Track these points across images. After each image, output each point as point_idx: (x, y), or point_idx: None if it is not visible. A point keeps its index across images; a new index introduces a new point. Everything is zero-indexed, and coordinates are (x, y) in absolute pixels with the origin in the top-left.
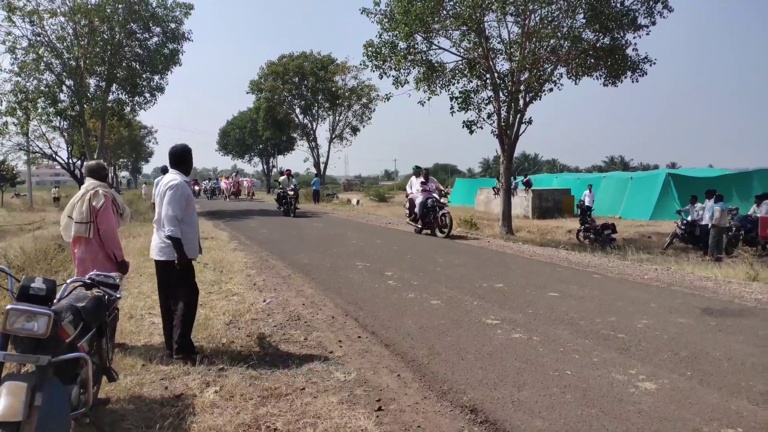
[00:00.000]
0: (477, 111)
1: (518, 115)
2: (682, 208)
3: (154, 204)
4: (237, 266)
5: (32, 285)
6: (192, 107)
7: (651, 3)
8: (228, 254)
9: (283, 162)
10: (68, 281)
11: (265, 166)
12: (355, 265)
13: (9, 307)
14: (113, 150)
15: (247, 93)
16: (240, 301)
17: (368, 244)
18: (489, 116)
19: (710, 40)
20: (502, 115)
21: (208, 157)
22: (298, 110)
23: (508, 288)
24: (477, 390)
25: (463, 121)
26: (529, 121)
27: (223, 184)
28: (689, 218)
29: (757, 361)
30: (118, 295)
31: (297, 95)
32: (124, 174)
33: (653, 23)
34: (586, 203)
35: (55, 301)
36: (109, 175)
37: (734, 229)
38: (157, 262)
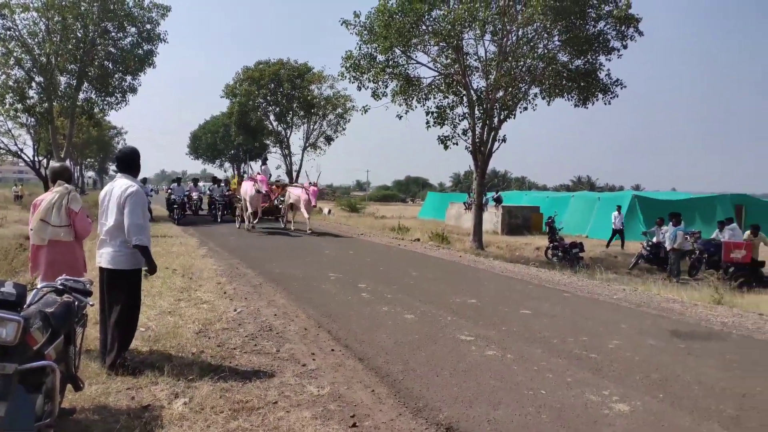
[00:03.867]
0: (452, 127)
1: (492, 133)
2: (648, 229)
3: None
4: (207, 273)
5: (2, 290)
6: (163, 109)
7: (623, 27)
8: (197, 261)
9: (255, 168)
10: (39, 286)
11: (236, 172)
12: (327, 276)
13: None
14: (80, 150)
15: (221, 97)
16: (210, 309)
17: (341, 254)
18: (464, 132)
19: (675, 66)
20: (477, 132)
21: (177, 161)
22: (272, 117)
23: (481, 304)
24: (452, 408)
25: (438, 137)
26: (503, 139)
27: (249, 187)
28: (654, 240)
29: (726, 386)
30: (90, 302)
31: (272, 102)
32: (90, 174)
33: (625, 47)
34: (616, 225)
35: (24, 306)
36: (75, 175)
37: (698, 252)
38: (106, 271)
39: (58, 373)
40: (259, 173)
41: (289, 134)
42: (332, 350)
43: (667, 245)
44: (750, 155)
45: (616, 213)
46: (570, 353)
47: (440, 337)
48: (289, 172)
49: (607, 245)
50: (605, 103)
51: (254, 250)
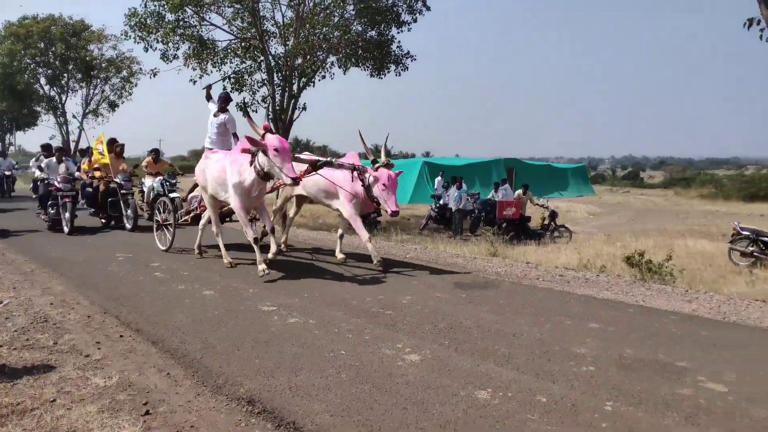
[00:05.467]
0: (251, 93)
1: (292, 100)
2: (436, 192)
3: None
4: None
5: None
6: None
7: (412, 1)
8: None
9: (22, 140)
10: None
11: (4, 144)
12: (115, 257)
13: None
14: None
15: None
16: None
17: (129, 233)
18: (263, 99)
19: (459, 42)
20: (277, 99)
21: None
22: (43, 80)
23: (283, 273)
24: (254, 380)
25: (237, 103)
26: (304, 107)
27: (244, 161)
28: (441, 202)
29: (500, 327)
30: None
31: (42, 63)
32: None
33: (415, 20)
34: (438, 191)
35: None
36: None
37: (477, 211)
38: None
39: None
40: (270, 132)
41: (64, 100)
42: (121, 336)
43: (452, 206)
44: (519, 124)
45: (439, 178)
46: (368, 312)
47: (241, 310)
48: (65, 142)
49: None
50: (396, 75)
51: (23, 231)
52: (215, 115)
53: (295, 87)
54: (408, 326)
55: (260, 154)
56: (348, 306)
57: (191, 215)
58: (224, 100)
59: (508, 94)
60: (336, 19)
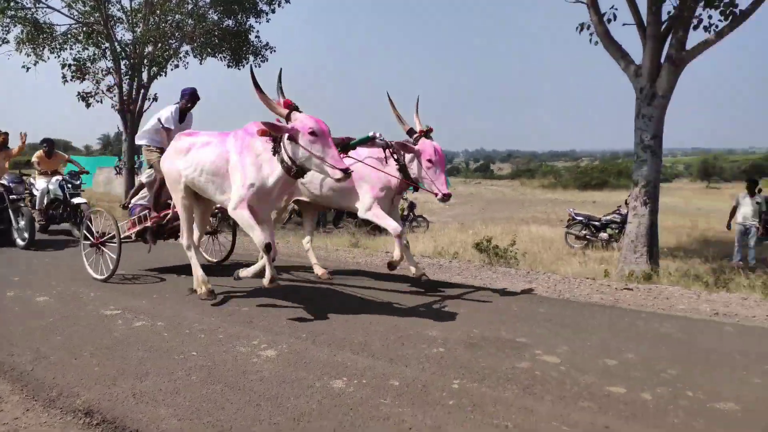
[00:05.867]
0: (95, 82)
1: (142, 90)
2: None
3: None
4: None
5: None
6: None
7: None
8: None
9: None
10: None
11: None
12: None
13: None
14: None
15: None
16: None
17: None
18: (109, 89)
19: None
20: (125, 89)
21: None
22: None
23: (132, 274)
24: (92, 390)
25: (78, 93)
26: (155, 98)
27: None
28: None
29: (358, 315)
30: None
31: None
32: None
33: (273, 11)
34: None
35: None
36: None
37: None
38: None
39: None
40: (296, 109)
41: None
42: None
43: None
44: (382, 118)
45: None
46: (222, 311)
47: (81, 316)
48: None
49: None
50: (256, 66)
51: None
52: (181, 121)
53: (144, 76)
54: (265, 322)
55: (286, 142)
56: (201, 305)
57: (137, 229)
58: (193, 96)
59: (363, 89)
60: (190, 7)
